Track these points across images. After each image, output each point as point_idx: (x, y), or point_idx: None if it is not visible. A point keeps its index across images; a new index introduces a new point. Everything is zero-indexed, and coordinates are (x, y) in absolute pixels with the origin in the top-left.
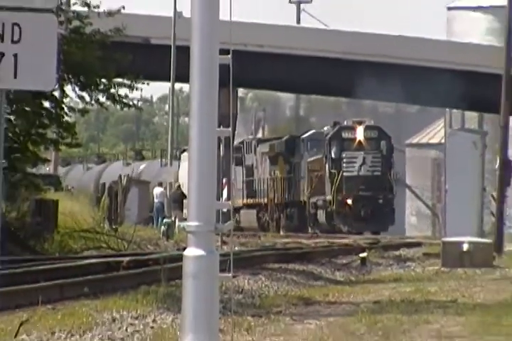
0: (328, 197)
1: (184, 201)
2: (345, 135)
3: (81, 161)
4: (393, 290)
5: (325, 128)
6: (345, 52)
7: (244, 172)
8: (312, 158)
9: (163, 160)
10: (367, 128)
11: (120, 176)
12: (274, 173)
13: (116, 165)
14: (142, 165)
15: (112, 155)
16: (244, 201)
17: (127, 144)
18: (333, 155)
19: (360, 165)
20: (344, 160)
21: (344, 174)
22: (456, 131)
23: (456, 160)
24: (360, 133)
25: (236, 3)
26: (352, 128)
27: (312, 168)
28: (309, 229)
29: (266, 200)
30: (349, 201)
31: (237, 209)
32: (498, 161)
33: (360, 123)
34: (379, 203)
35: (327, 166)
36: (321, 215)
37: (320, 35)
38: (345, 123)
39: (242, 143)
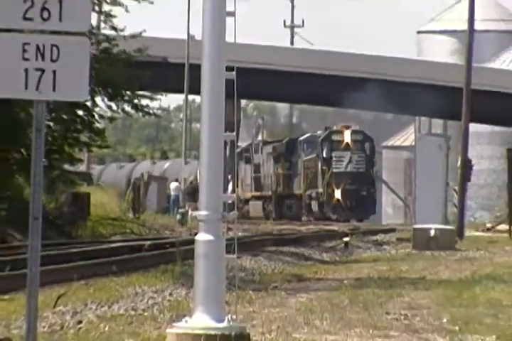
0: (320, 190)
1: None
2: (334, 137)
3: (115, 160)
4: (371, 268)
5: (318, 132)
6: (333, 69)
7: (253, 169)
8: (307, 157)
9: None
10: (353, 132)
11: (142, 173)
12: (277, 170)
13: (144, 164)
14: (166, 164)
15: (141, 155)
16: (253, 194)
17: (149, 146)
18: (324, 155)
19: (347, 163)
20: (334, 158)
21: (333, 170)
22: (425, 135)
23: (424, 160)
24: (347, 136)
25: (239, 27)
26: (340, 132)
27: (307, 166)
28: (303, 217)
29: (270, 193)
30: (337, 193)
31: (246, 201)
32: (459, 161)
33: (347, 127)
34: (363, 195)
35: (319, 164)
36: (314, 205)
37: (310, 54)
38: (334, 127)
39: (250, 145)
